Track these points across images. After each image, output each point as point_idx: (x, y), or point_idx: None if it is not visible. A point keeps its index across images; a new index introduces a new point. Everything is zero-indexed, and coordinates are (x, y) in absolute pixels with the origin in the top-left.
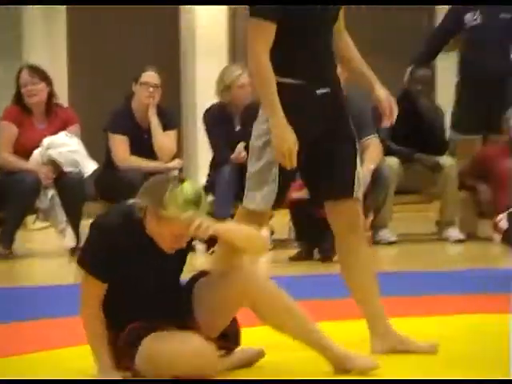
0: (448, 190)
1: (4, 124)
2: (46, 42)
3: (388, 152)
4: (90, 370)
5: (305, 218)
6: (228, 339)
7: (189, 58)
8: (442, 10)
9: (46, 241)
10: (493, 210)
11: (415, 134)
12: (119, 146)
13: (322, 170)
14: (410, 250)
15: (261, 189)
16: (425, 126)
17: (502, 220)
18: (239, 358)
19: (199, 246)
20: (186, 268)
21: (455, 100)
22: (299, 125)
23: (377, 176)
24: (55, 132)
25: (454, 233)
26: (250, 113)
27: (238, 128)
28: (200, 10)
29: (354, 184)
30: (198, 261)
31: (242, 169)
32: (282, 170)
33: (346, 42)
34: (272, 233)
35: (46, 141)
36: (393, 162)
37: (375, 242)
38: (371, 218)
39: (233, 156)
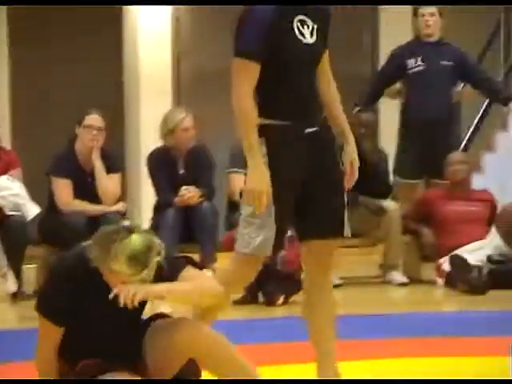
0: (391, 233)
1: None
2: None
3: None
4: None
5: None
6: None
7: (133, 100)
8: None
9: None
10: (435, 254)
11: (359, 177)
12: (62, 189)
13: (311, 210)
14: (354, 293)
15: (258, 233)
16: (368, 169)
17: (445, 263)
18: None
19: None
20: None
21: (397, 144)
22: (288, 164)
23: None
24: None
25: (398, 276)
26: (194, 156)
27: (181, 171)
28: (144, 51)
29: (343, 223)
30: None
31: (185, 212)
32: (279, 212)
33: (327, 86)
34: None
35: None
36: None
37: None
38: None
39: (176, 199)
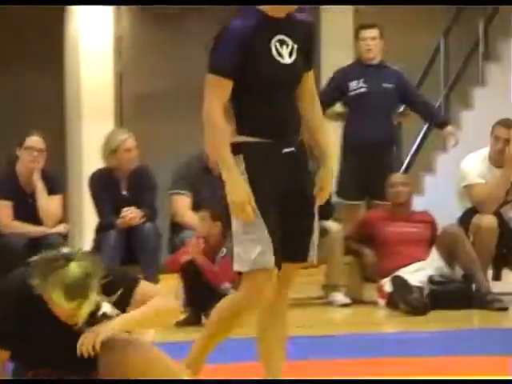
0: (334, 254)
1: None
2: None
3: None
4: None
5: (195, 282)
6: None
7: (75, 121)
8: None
9: None
10: (377, 275)
11: None
12: (2, 210)
13: (285, 231)
14: (297, 314)
15: (253, 247)
16: None
17: (387, 284)
18: None
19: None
20: None
21: (339, 166)
22: (268, 180)
23: None
24: None
25: (340, 297)
26: (136, 177)
27: (124, 192)
28: (86, 71)
29: (309, 249)
30: None
31: (127, 233)
32: (269, 225)
33: (311, 106)
34: None
35: None
36: None
37: None
38: None
39: (118, 221)
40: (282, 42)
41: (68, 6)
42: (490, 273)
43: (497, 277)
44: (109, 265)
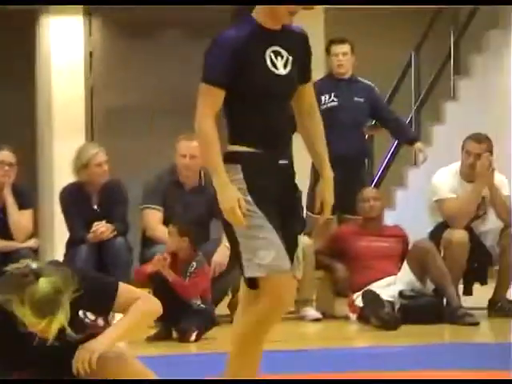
0: (305, 269)
1: None
2: None
3: None
4: None
5: (165, 296)
6: None
7: (46, 135)
8: None
9: None
10: (349, 289)
11: None
12: None
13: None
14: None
15: (268, 250)
16: None
17: (358, 298)
18: None
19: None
20: None
21: (310, 180)
22: (267, 189)
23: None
24: None
25: (311, 312)
26: (108, 191)
27: (95, 207)
28: (57, 86)
29: (292, 262)
30: None
31: (99, 247)
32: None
33: (309, 119)
34: None
35: None
36: None
37: (231, 321)
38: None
39: (89, 235)
40: (276, 54)
41: (40, 20)
42: (461, 287)
43: (468, 291)
44: (85, 273)
